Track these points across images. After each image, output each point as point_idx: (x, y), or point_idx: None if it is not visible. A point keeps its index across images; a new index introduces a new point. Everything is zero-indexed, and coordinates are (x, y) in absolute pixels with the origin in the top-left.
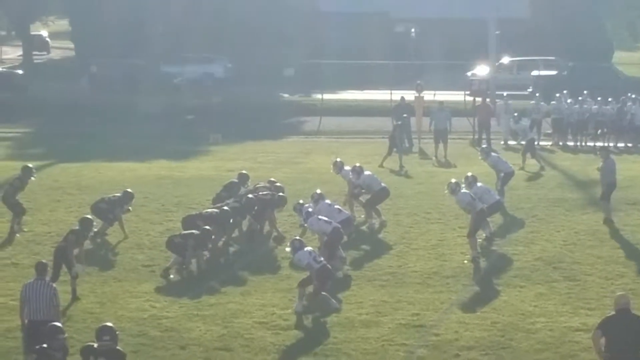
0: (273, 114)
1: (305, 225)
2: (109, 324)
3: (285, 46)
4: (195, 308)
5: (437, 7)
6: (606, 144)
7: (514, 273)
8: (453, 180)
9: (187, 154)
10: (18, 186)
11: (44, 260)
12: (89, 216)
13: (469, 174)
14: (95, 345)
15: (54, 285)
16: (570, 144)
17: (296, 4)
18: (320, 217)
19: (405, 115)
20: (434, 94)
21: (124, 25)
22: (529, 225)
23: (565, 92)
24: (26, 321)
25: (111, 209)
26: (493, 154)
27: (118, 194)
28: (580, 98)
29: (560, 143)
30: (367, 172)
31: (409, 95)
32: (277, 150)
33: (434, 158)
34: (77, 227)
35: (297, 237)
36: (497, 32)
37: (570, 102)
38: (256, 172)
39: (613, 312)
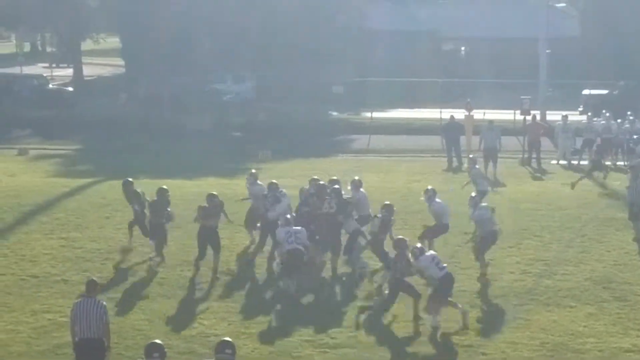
0: (322, 131)
1: None
2: (158, 341)
3: (335, 64)
4: (243, 326)
5: (487, 26)
6: None
7: (563, 293)
8: (473, 194)
9: (236, 171)
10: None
11: (94, 278)
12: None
13: (429, 187)
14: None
15: (104, 302)
16: (620, 163)
17: (345, 22)
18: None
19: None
20: (484, 113)
21: (173, 43)
22: (579, 245)
23: (605, 113)
24: (77, 339)
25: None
26: (477, 166)
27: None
28: (631, 117)
29: (609, 163)
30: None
31: (459, 113)
32: (326, 167)
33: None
34: None
35: (418, 245)
36: (547, 51)
37: (619, 122)
38: None
39: None
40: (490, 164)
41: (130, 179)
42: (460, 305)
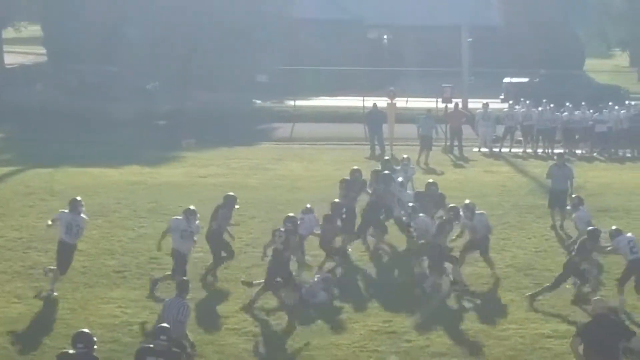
0: (246, 120)
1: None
2: (86, 330)
3: (259, 52)
4: None
5: (411, 14)
6: (579, 151)
7: (485, 280)
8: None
9: (160, 159)
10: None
11: (186, 278)
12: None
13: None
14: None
15: (187, 303)
16: (540, 151)
17: (270, 10)
18: None
19: None
20: (407, 101)
21: (98, 31)
22: (501, 232)
23: (523, 100)
24: None
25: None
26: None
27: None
28: (552, 105)
29: (530, 150)
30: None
31: (382, 101)
32: (250, 156)
33: (417, 165)
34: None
35: (614, 227)
36: (469, 39)
37: (541, 110)
38: (228, 179)
39: (591, 318)
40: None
41: None
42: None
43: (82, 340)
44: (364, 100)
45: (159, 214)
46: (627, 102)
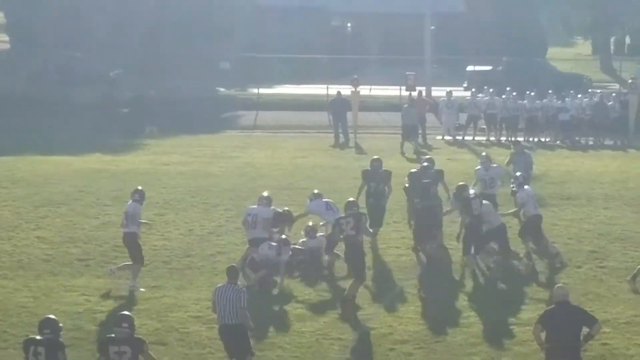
0: (209, 107)
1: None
2: (52, 316)
3: (222, 39)
4: (130, 302)
5: (374, 2)
6: (543, 139)
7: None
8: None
9: (123, 147)
10: None
11: (234, 264)
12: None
13: (519, 173)
14: (38, 337)
15: (242, 288)
16: (504, 139)
17: None
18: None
19: None
20: (370, 89)
21: (60, 17)
22: None
23: (486, 88)
24: (218, 325)
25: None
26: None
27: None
28: (515, 93)
29: (493, 138)
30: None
31: (346, 89)
32: (213, 144)
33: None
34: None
35: None
36: (432, 27)
37: (504, 98)
38: (191, 167)
39: (553, 305)
40: (410, 140)
41: None
42: None
43: (49, 326)
44: (327, 88)
45: (123, 202)
46: (589, 90)
